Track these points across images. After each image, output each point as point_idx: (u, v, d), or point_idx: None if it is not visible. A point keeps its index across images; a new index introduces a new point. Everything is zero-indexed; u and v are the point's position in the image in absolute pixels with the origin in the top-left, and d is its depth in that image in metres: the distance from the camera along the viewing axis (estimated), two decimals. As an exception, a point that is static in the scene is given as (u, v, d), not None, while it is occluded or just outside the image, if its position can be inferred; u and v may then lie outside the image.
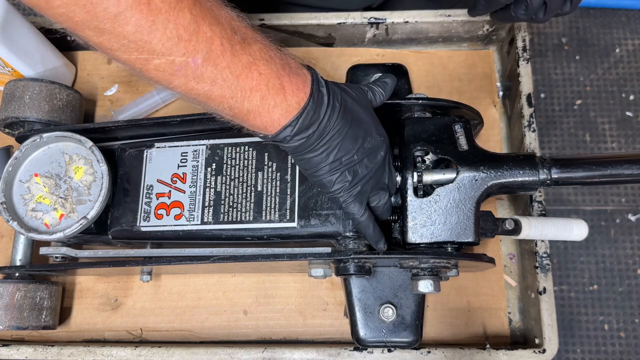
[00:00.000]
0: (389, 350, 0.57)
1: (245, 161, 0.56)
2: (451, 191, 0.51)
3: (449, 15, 0.68)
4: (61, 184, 0.56)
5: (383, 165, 0.49)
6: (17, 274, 0.60)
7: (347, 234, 0.52)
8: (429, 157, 0.53)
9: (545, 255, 0.60)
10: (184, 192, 0.56)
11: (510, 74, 0.69)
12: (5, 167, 0.56)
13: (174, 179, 0.57)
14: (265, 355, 0.58)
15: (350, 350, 0.58)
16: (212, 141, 0.57)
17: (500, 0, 0.53)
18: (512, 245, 0.67)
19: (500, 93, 0.71)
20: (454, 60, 0.72)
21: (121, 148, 0.60)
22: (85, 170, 0.57)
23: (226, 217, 0.54)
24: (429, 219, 0.51)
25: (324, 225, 0.52)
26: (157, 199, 0.56)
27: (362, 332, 0.57)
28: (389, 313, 0.56)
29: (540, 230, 0.56)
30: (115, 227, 0.57)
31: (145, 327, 0.64)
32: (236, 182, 0.55)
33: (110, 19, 0.34)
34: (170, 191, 0.56)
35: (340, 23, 0.68)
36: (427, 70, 0.72)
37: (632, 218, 1.37)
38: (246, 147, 0.56)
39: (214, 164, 0.56)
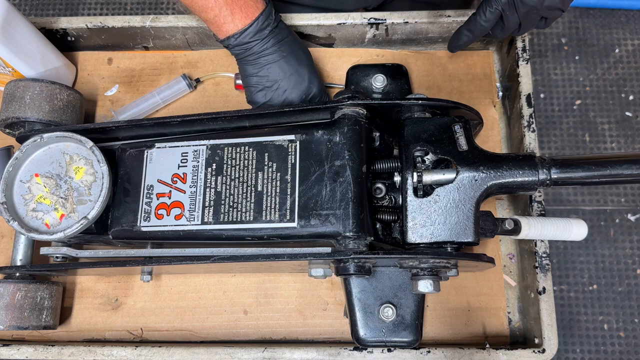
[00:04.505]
0: (389, 350, 0.57)
1: (246, 161, 0.56)
2: (451, 191, 0.51)
3: (449, 16, 0.68)
4: (62, 184, 0.56)
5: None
6: (17, 274, 0.60)
7: (347, 234, 0.52)
8: (429, 157, 0.53)
9: (544, 255, 0.60)
10: (184, 192, 0.56)
11: (510, 74, 0.69)
12: (5, 168, 0.56)
13: (175, 179, 0.57)
14: (265, 355, 0.58)
15: (350, 350, 0.58)
16: (212, 141, 0.57)
17: (485, 26, 0.54)
18: (511, 245, 0.67)
19: (500, 93, 0.71)
20: (453, 61, 0.72)
21: (121, 148, 0.60)
22: (85, 170, 0.57)
23: (226, 217, 0.54)
24: (428, 219, 0.51)
25: (324, 225, 0.52)
26: (158, 199, 0.57)
27: (362, 332, 0.57)
28: (388, 313, 0.57)
29: (539, 230, 0.56)
30: (115, 227, 0.57)
31: (146, 326, 0.64)
32: (236, 182, 0.55)
33: None
34: (170, 191, 0.57)
35: (340, 23, 0.68)
36: (427, 70, 0.72)
37: (632, 218, 1.37)
38: (246, 148, 0.56)
39: (214, 164, 0.56)
